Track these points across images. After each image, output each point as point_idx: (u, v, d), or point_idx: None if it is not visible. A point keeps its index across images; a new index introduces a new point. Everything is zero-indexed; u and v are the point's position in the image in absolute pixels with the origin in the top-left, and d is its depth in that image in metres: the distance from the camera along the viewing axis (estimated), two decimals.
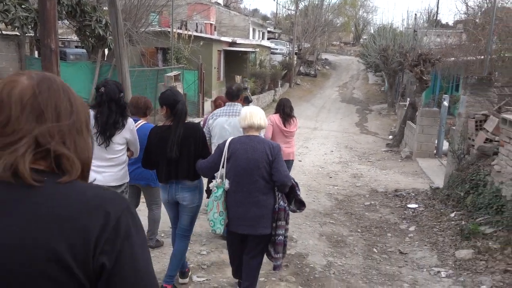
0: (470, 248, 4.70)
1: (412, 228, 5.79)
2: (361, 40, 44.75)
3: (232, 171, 3.15)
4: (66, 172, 0.89)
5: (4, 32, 10.84)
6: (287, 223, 3.22)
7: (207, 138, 3.90)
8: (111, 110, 3.21)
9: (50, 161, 0.88)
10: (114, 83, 3.42)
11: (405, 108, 13.93)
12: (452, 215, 5.78)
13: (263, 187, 3.11)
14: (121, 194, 1.08)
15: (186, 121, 3.39)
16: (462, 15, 22.55)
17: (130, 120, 3.45)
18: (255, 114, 3.24)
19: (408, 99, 15.32)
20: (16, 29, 8.89)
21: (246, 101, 5.81)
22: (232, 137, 3.28)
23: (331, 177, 9.11)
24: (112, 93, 3.23)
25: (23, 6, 8.95)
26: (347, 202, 7.17)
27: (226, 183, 3.16)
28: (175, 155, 3.27)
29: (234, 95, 4.43)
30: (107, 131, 3.23)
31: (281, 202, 3.17)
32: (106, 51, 14.30)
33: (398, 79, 23.53)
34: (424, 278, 4.26)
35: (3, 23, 8.47)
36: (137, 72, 12.21)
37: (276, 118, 5.22)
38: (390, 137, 15.13)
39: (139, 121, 3.95)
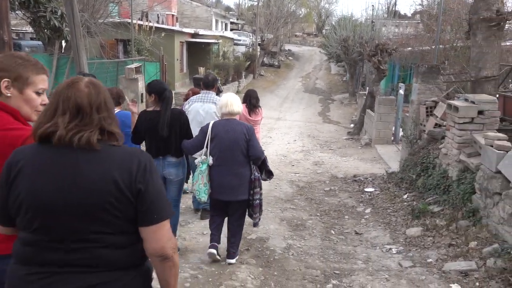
0: (420, 226, 5.01)
1: (368, 211, 6.08)
2: (323, 31, 45.37)
3: (216, 148, 3.82)
4: (115, 140, 1.52)
5: None
6: (260, 189, 4.00)
7: None
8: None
9: (105, 135, 1.49)
10: (90, 74, 3.77)
11: (365, 97, 14.38)
12: (405, 196, 6.11)
13: (242, 161, 3.84)
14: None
15: (171, 107, 4.02)
16: (419, 6, 23.31)
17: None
18: (235, 103, 3.92)
19: (368, 88, 15.79)
20: None
21: (218, 92, 6.08)
22: (213, 121, 4.00)
23: (293, 165, 9.34)
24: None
25: None
26: (308, 188, 7.41)
27: (210, 159, 3.83)
28: (165, 134, 3.87)
29: (210, 85, 5.07)
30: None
31: (256, 173, 3.92)
32: (64, 43, 13.91)
33: (358, 69, 24.11)
34: (377, 255, 4.53)
35: None
36: (96, 65, 11.98)
37: (243, 107, 5.41)
38: (351, 125, 15.57)
39: (114, 109, 4.08)
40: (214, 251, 4.02)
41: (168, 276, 1.54)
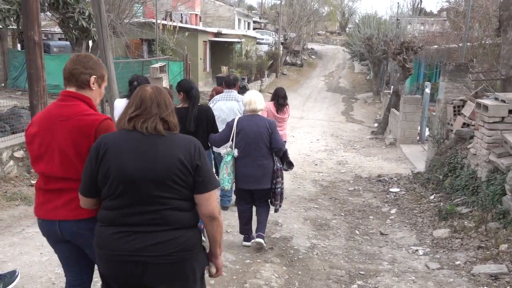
0: (447, 227, 4.91)
1: (393, 211, 5.99)
2: (347, 29, 44.93)
3: (242, 142, 4.11)
4: (174, 129, 2.00)
5: None
6: (282, 178, 4.29)
7: None
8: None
9: (167, 125, 1.97)
10: (144, 77, 4.36)
11: (389, 96, 14.16)
12: (432, 197, 6.00)
13: (265, 153, 4.14)
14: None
15: (198, 104, 4.31)
16: (445, 3, 22.80)
17: None
18: (257, 101, 4.21)
19: (392, 87, 15.55)
20: None
21: (244, 90, 6.44)
22: (239, 116, 4.31)
23: (316, 165, 9.29)
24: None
25: None
26: (332, 188, 7.36)
27: (235, 151, 4.13)
28: (193, 129, 4.15)
29: (231, 84, 5.43)
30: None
31: (278, 164, 4.23)
32: (90, 43, 14.20)
33: (382, 68, 23.79)
34: (403, 256, 4.46)
35: None
36: (122, 64, 12.18)
37: (271, 105, 5.92)
38: (375, 124, 15.37)
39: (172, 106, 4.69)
40: (249, 243, 4.43)
41: (215, 232, 2.04)
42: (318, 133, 13.93)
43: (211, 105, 5.23)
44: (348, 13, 52.66)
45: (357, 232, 5.25)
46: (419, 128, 11.34)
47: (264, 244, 4.34)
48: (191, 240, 1.95)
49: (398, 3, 22.47)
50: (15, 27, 10.22)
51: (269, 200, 4.38)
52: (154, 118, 1.93)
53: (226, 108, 5.22)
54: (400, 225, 5.40)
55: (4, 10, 8.46)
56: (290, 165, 4.40)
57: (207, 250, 2.13)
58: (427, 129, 10.86)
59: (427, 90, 11.30)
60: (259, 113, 4.28)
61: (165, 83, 12.50)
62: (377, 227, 5.40)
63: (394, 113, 12.54)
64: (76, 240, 2.20)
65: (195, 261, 1.99)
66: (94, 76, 2.22)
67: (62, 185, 2.14)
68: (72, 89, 2.20)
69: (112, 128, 2.12)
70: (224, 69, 21.62)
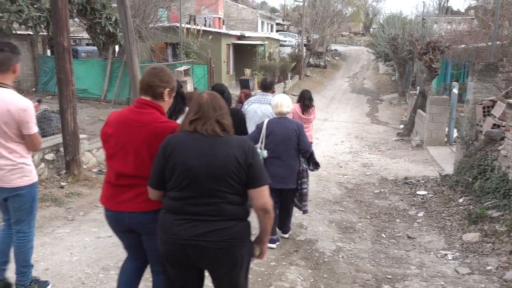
0: (477, 231, 4.78)
1: (420, 214, 5.87)
2: (371, 29, 44.42)
3: (271, 143, 4.26)
4: (229, 131, 2.22)
5: (18, 32, 11.08)
6: (308, 179, 4.46)
7: None
8: (177, 101, 3.82)
9: (223, 127, 2.19)
10: (177, 80, 4.16)
11: (416, 97, 13.91)
12: (461, 200, 5.85)
13: (293, 154, 4.29)
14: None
15: (230, 107, 4.40)
16: (473, 1, 22.25)
17: (187, 108, 4.13)
18: (284, 104, 4.36)
19: (418, 87, 15.27)
20: (30, 28, 9.11)
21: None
22: (268, 119, 4.44)
23: (341, 167, 9.20)
24: (177, 88, 4.02)
25: (35, 6, 9.16)
26: (357, 190, 7.27)
27: (265, 152, 4.26)
28: None
29: (268, 87, 5.47)
30: (173, 116, 3.85)
31: (304, 165, 4.39)
32: (117, 47, 14.50)
33: (408, 68, 23.39)
34: (431, 261, 4.36)
35: (17, 23, 8.68)
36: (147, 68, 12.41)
37: (297, 107, 6.10)
38: (401, 126, 15.11)
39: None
40: (274, 246, 4.49)
41: (267, 224, 2.27)
42: (343, 135, 13.80)
43: (245, 107, 5.28)
44: (372, 13, 52.03)
45: (383, 235, 5.17)
46: (446, 129, 11.09)
47: (286, 236, 4.74)
48: (242, 231, 2.21)
49: (424, 2, 22.13)
50: (45, 33, 10.53)
51: (295, 203, 4.56)
52: (211, 121, 2.18)
53: (260, 111, 5.19)
54: (428, 229, 5.29)
55: (35, 18, 8.73)
56: (316, 165, 4.57)
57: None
58: (455, 130, 10.61)
59: (455, 91, 11.04)
60: (287, 115, 4.42)
61: (189, 86, 12.64)
62: (404, 231, 5.30)
63: (421, 114, 12.30)
64: (141, 230, 2.46)
65: (244, 249, 2.22)
66: (168, 89, 2.46)
67: (132, 181, 2.40)
68: (147, 98, 2.45)
69: None
70: (247, 71, 21.71)
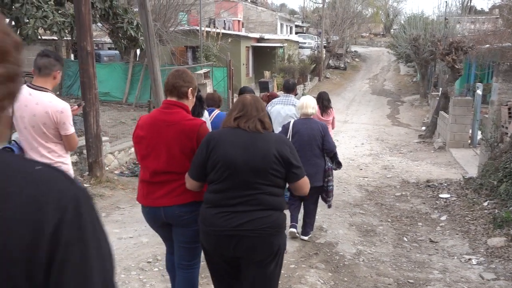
0: (503, 236, 4.65)
1: (443, 218, 5.75)
2: (392, 30, 43.88)
3: (297, 142, 4.25)
4: (269, 129, 2.42)
5: (43, 37, 11.36)
6: (332, 177, 4.64)
7: None
8: (195, 104, 3.99)
9: (263, 125, 2.37)
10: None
11: (438, 98, 13.66)
12: (485, 204, 5.71)
13: (318, 153, 4.46)
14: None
15: None
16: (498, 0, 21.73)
17: (206, 111, 4.36)
18: (309, 106, 4.52)
19: (441, 89, 14.99)
20: (54, 33, 9.33)
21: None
22: (294, 120, 4.64)
23: (361, 169, 9.10)
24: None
25: (60, 11, 9.38)
26: (378, 193, 7.18)
27: None
28: None
29: (290, 89, 5.62)
30: None
31: (329, 164, 4.56)
32: (138, 51, 14.72)
33: (430, 69, 23.01)
34: (455, 266, 4.27)
35: (43, 29, 8.91)
36: (168, 71, 12.55)
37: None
38: (423, 128, 14.86)
39: (215, 111, 4.77)
40: (294, 230, 4.70)
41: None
42: (363, 137, 13.66)
43: (268, 108, 5.33)
44: (393, 14, 51.42)
45: (405, 239, 5.09)
46: (470, 131, 10.84)
47: (306, 238, 4.79)
48: (279, 220, 2.36)
49: (446, 1, 21.56)
50: (69, 38, 10.78)
51: (320, 197, 4.77)
52: (254, 119, 2.38)
53: (284, 111, 5.33)
54: (451, 233, 5.18)
55: (59, 23, 8.94)
56: (338, 165, 4.75)
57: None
58: (479, 132, 10.37)
59: (479, 92, 10.79)
60: (311, 116, 4.58)
61: (209, 89, 12.73)
62: (427, 234, 5.20)
63: (443, 116, 12.07)
64: (176, 222, 2.62)
65: (280, 238, 2.37)
66: (191, 88, 2.66)
67: (166, 177, 2.57)
68: (173, 99, 2.64)
69: (207, 130, 2.61)
70: (267, 74, 21.73)
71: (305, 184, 2.44)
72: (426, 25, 22.88)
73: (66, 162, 3.16)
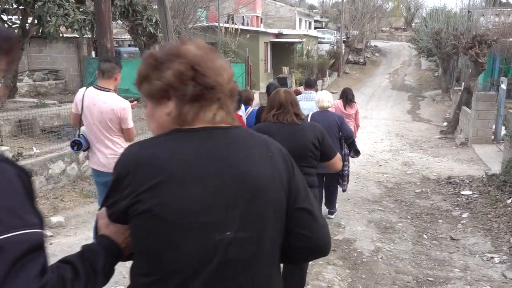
0: None
1: (465, 215, 5.64)
2: (413, 24, 43.10)
3: None
4: (304, 119, 2.98)
5: (64, 35, 11.56)
6: (349, 162, 5.09)
7: None
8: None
9: (298, 117, 2.91)
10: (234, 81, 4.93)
11: (460, 93, 13.37)
12: (509, 201, 5.57)
13: (335, 142, 4.65)
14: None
15: None
16: None
17: (242, 108, 4.78)
18: (325, 100, 4.91)
19: (463, 83, 14.66)
20: (75, 31, 9.48)
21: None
22: (312, 112, 4.92)
23: (380, 165, 8.99)
24: None
25: (80, 9, 9.53)
26: (397, 189, 7.08)
27: None
28: None
29: (311, 85, 6.02)
30: None
31: (346, 150, 4.95)
32: (157, 48, 14.81)
33: (452, 63, 22.52)
34: (476, 264, 4.18)
35: (64, 26, 9.06)
36: None
37: (339, 103, 6.59)
38: (445, 123, 14.57)
39: (249, 108, 5.08)
40: (332, 216, 5.29)
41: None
42: (382, 132, 13.48)
43: None
44: (414, 7, 50.45)
45: (425, 236, 5.01)
46: (493, 127, 10.58)
47: (332, 217, 5.36)
48: (315, 196, 2.87)
49: None
50: (90, 35, 10.95)
51: (338, 182, 5.15)
52: (291, 113, 2.85)
53: (306, 107, 5.48)
54: (473, 230, 5.08)
55: (80, 21, 9.08)
56: (357, 153, 5.10)
57: None
58: (503, 127, 10.10)
59: (503, 86, 10.51)
60: (328, 109, 4.93)
61: None
62: (447, 232, 5.11)
63: (466, 111, 11.81)
64: None
65: None
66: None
67: None
68: None
69: (244, 124, 3.10)
70: (285, 69, 21.63)
71: (338, 159, 2.98)
72: (448, 18, 22.36)
73: None
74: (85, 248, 1.09)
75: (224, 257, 1.08)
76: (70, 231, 4.90)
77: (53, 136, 7.66)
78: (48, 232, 4.67)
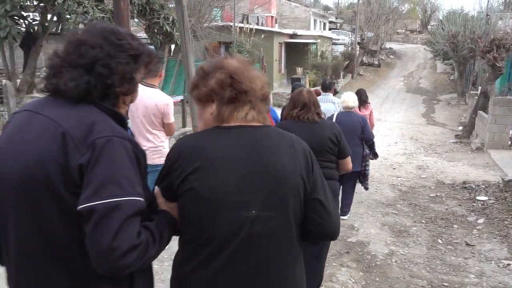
0: None
1: (480, 221, 5.58)
2: (429, 27, 42.65)
3: None
4: (324, 118, 3.20)
5: None
6: (369, 162, 5.31)
7: None
8: None
9: (319, 116, 3.09)
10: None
11: (476, 97, 13.20)
12: None
13: (357, 142, 5.04)
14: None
15: None
16: None
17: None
18: (350, 100, 5.19)
19: (480, 87, 14.48)
20: None
21: (334, 92, 7.63)
22: (337, 112, 5.19)
23: (394, 169, 8.93)
24: None
25: (99, 7, 9.64)
26: (411, 193, 7.03)
27: None
28: None
29: (328, 87, 6.19)
30: None
31: (367, 150, 5.19)
32: (172, 47, 14.93)
33: (469, 67, 22.25)
34: (492, 270, 4.14)
35: (83, 24, 9.18)
36: None
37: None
38: (460, 128, 14.40)
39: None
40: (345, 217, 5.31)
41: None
42: (396, 135, 13.38)
43: None
44: (430, 10, 49.90)
45: (439, 241, 4.97)
46: (510, 132, 10.43)
47: (345, 217, 5.33)
48: (335, 186, 3.21)
49: None
50: None
51: (358, 181, 5.34)
52: (312, 113, 3.05)
53: (324, 109, 5.62)
54: (489, 236, 5.02)
55: (99, 18, 9.19)
56: (375, 155, 5.45)
57: None
58: None
59: None
60: (352, 110, 5.20)
61: None
62: (462, 237, 5.06)
63: (482, 116, 11.66)
64: None
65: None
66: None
67: None
68: None
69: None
70: (299, 70, 21.60)
71: (349, 161, 3.20)
72: (465, 21, 22.09)
73: (165, 146, 3.74)
74: (157, 220, 1.31)
75: (249, 231, 1.33)
76: None
77: None
78: None
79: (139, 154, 1.26)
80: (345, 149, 3.13)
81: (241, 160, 1.36)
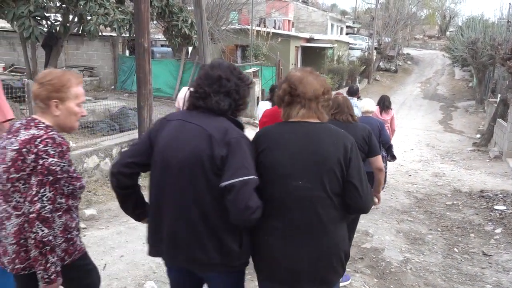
0: None
1: (498, 231, 5.49)
2: (447, 33, 42.16)
3: None
4: (356, 120, 3.54)
5: (102, 33, 11.88)
6: (386, 164, 5.55)
7: None
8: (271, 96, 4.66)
9: (352, 117, 3.50)
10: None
11: (495, 105, 12.99)
12: None
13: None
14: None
15: None
16: None
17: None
18: (369, 105, 5.62)
19: (499, 95, 14.24)
20: (114, 30, 9.73)
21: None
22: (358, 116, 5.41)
23: (410, 175, 8.85)
24: None
25: (120, 9, 9.78)
26: (427, 201, 6.95)
27: None
28: None
29: (354, 93, 6.81)
30: None
31: (383, 153, 5.22)
32: (190, 49, 15.06)
33: (488, 74, 21.90)
34: (510, 281, 4.06)
35: (103, 25, 9.32)
36: None
37: (376, 109, 6.90)
38: (478, 136, 14.19)
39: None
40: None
41: (381, 178, 3.49)
42: (413, 142, 13.24)
43: None
44: (449, 15, 49.33)
45: (455, 250, 4.90)
46: None
47: None
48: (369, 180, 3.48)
49: (510, 3, 20.02)
50: (126, 35, 11.22)
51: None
52: (346, 114, 3.44)
53: None
54: (507, 247, 4.94)
55: (119, 20, 9.32)
56: (393, 157, 5.51)
57: None
58: None
59: None
60: (371, 114, 5.52)
61: (257, 88, 12.83)
62: (479, 247, 4.99)
63: (501, 124, 11.47)
64: None
65: None
66: None
67: None
68: None
69: None
70: None
71: (380, 159, 3.43)
72: (485, 28, 21.76)
73: None
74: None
75: (297, 196, 1.89)
76: (102, 224, 5.04)
77: (87, 132, 7.88)
78: (82, 224, 4.82)
79: (251, 147, 1.92)
80: (375, 148, 3.40)
81: (295, 145, 1.92)
